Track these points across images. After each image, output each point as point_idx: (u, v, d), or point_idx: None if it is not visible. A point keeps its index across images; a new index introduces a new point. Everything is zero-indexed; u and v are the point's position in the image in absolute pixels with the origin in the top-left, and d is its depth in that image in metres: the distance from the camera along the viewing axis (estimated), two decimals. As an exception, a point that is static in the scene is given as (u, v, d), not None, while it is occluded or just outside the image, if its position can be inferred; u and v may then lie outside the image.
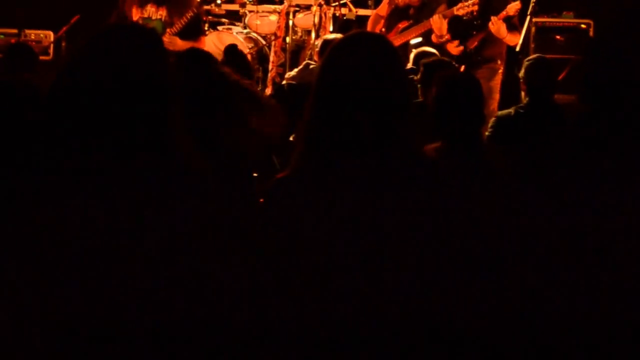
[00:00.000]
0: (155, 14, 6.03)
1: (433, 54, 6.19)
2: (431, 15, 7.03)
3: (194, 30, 6.33)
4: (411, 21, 7.19)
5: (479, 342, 2.06)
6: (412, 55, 6.40)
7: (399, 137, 2.08)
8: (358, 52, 2.13)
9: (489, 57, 6.82)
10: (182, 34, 6.26)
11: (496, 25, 6.62)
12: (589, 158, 2.05)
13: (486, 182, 3.26)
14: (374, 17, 7.67)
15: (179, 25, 6.10)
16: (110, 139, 1.91)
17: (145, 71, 1.97)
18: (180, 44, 6.19)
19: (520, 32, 6.72)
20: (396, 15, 7.32)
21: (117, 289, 1.87)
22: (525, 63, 5.06)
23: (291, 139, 4.56)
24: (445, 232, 2.06)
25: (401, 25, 7.20)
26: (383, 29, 7.35)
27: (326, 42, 6.11)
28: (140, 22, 6.02)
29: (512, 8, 6.61)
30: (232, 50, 4.97)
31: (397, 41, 6.86)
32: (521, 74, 5.03)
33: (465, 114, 3.56)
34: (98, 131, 1.91)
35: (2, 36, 8.32)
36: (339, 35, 6.54)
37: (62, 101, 1.96)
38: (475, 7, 6.63)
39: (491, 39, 6.78)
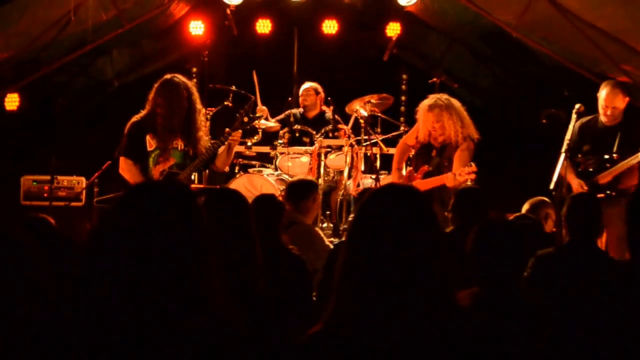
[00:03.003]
0: (171, 144, 6.03)
1: (547, 202, 6.10)
2: (449, 160, 6.84)
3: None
4: (431, 168, 6.93)
5: None
6: (526, 206, 6.22)
7: (430, 290, 2.06)
8: (389, 207, 2.14)
9: (624, 190, 6.55)
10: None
11: None
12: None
13: (524, 331, 3.12)
14: (402, 146, 7.48)
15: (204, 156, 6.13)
16: (145, 297, 1.91)
17: (179, 228, 1.98)
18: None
19: None
20: (422, 154, 7.10)
21: None
22: (568, 200, 4.87)
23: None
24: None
25: (425, 169, 6.97)
26: (410, 168, 7.22)
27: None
28: (158, 150, 6.01)
29: None
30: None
31: (421, 187, 6.61)
32: (563, 211, 4.83)
33: (503, 260, 3.39)
34: (132, 290, 1.91)
35: (35, 183, 8.44)
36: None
37: (97, 260, 1.97)
38: (473, 176, 6.48)
39: (628, 172, 6.58)
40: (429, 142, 7.00)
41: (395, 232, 2.09)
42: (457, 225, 5.03)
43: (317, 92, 9.11)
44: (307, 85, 9.21)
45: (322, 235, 6.00)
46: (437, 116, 6.83)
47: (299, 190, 5.80)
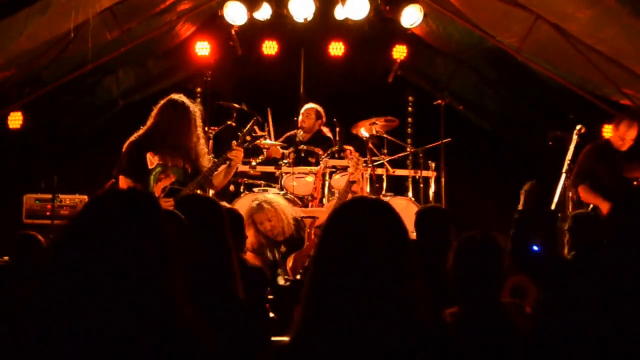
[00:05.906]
0: (171, 161, 6.06)
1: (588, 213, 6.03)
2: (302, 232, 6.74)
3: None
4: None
5: None
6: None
7: (402, 306, 2.03)
8: (359, 218, 2.12)
9: None
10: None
11: None
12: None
13: (504, 349, 3.11)
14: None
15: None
16: (106, 309, 1.87)
17: (141, 237, 1.95)
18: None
19: None
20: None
21: None
22: (573, 216, 4.86)
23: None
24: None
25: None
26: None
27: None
28: (159, 168, 6.02)
29: None
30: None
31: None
32: (566, 226, 4.82)
33: (483, 278, 3.36)
34: (94, 303, 1.86)
35: (37, 202, 8.45)
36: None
37: (56, 273, 1.92)
38: (356, 155, 6.68)
39: None
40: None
41: (365, 245, 2.05)
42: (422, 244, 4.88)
43: (318, 116, 9.03)
44: (309, 105, 9.14)
45: None
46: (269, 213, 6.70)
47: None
